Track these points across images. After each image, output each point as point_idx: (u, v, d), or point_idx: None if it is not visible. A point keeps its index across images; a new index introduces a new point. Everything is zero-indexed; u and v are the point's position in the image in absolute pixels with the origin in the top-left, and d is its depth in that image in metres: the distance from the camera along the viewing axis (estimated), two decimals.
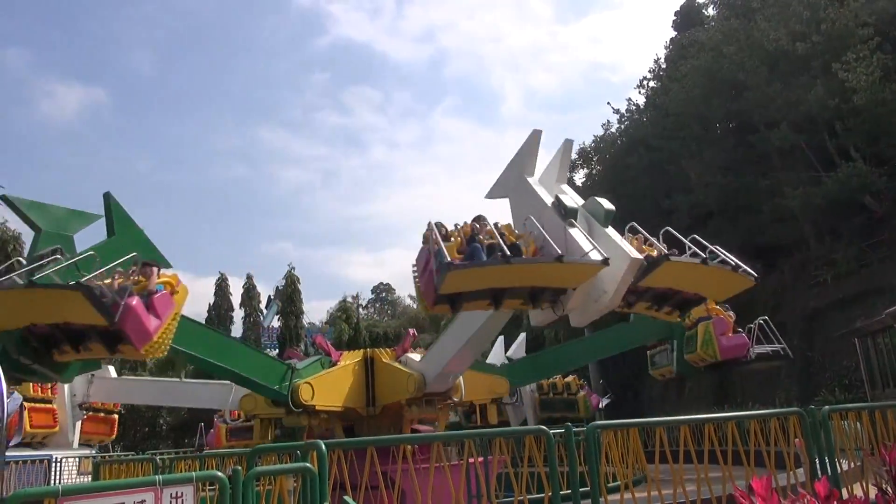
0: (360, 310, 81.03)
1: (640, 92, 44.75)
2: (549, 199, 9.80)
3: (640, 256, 9.08)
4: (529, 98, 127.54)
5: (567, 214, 9.35)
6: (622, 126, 44.18)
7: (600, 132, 46.54)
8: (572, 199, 9.77)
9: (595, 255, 8.52)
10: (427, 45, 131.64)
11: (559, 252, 8.35)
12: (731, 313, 15.84)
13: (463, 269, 8.18)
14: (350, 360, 13.83)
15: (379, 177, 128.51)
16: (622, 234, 10.02)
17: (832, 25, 28.29)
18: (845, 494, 6.31)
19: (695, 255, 9.88)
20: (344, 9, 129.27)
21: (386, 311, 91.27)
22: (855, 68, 26.21)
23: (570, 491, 6.00)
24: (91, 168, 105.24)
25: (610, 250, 8.86)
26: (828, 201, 27.97)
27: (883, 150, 27.17)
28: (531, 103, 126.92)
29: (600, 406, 25.71)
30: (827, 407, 7.36)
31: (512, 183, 10.66)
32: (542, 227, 8.98)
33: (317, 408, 12.27)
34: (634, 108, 43.54)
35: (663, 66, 43.35)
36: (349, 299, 60.39)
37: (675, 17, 46.37)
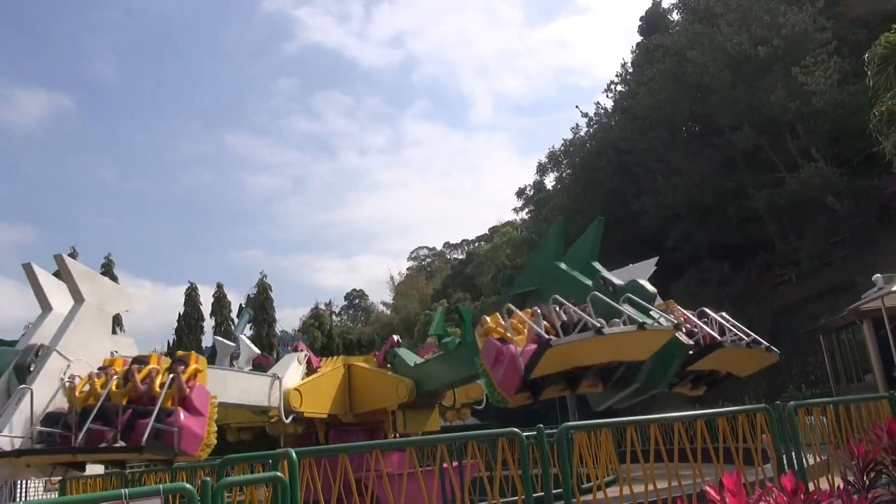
0: (333, 317, 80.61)
1: (608, 96, 45.30)
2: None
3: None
4: (499, 102, 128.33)
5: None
6: (591, 130, 44.61)
7: (570, 136, 46.99)
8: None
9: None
10: (396, 50, 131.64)
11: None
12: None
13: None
14: (330, 366, 13.78)
15: (349, 182, 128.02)
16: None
17: (792, 30, 28.98)
18: (811, 488, 6.44)
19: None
20: (311, 13, 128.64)
21: (359, 318, 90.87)
22: (814, 72, 26.87)
23: (542, 493, 6.01)
24: (54, 176, 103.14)
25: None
26: (791, 201, 28.58)
27: (843, 150, 27.89)
28: (501, 107, 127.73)
29: None
30: (793, 403, 7.49)
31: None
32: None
33: (305, 414, 12.22)
34: (603, 111, 44.04)
35: (630, 70, 43.90)
36: (322, 306, 59.95)
37: (640, 23, 47.03)
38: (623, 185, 37.06)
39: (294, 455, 5.18)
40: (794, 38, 28.85)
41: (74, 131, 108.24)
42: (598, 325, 8.60)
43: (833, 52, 27.61)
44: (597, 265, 10.74)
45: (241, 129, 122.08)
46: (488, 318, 9.66)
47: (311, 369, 13.55)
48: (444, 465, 6.59)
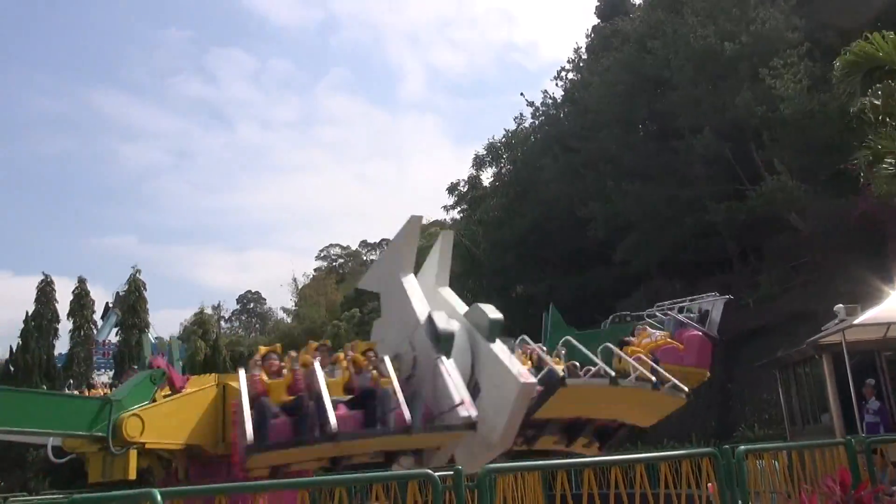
0: (222, 323, 78.83)
1: (557, 84, 46.26)
2: (423, 312, 9.49)
3: (533, 380, 8.77)
4: (432, 78, 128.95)
5: (441, 342, 8.92)
6: (536, 121, 45.44)
7: (512, 125, 47.70)
8: (446, 319, 9.23)
9: (463, 413, 8.22)
10: (314, 8, 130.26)
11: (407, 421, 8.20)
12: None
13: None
14: (198, 385, 13.28)
15: (247, 161, 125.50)
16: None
17: (762, 26, 30.32)
18: None
19: (602, 374, 10.01)
20: None
21: (253, 326, 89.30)
22: (783, 75, 28.17)
23: None
24: None
25: (495, 374, 8.74)
26: (752, 217, 29.84)
27: (810, 164, 29.25)
28: (434, 84, 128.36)
29: None
30: (743, 447, 7.77)
31: (385, 277, 10.55)
32: (413, 349, 9.05)
33: (147, 446, 11.72)
34: (551, 101, 44.91)
35: (584, 56, 44.98)
36: (208, 310, 58.58)
37: (598, 3, 48.28)
38: (569, 187, 37.86)
39: (158, 496, 4.99)
40: (764, 35, 30.18)
41: None
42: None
43: (804, 54, 29.00)
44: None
45: (112, 86, 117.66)
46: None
47: (173, 390, 13.05)
48: None
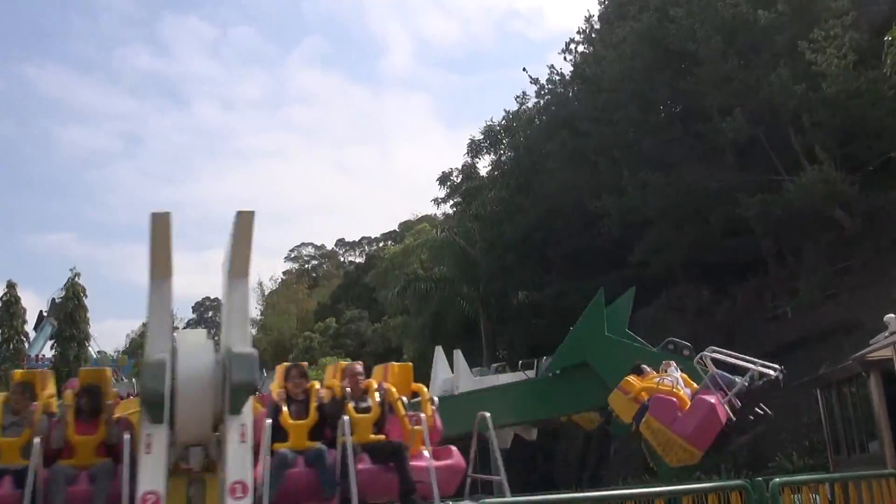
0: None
1: (565, 58, 46.30)
2: (153, 349, 7.67)
3: None
4: (422, 50, 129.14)
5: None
6: (541, 101, 45.51)
7: (513, 106, 47.79)
8: (158, 375, 7.20)
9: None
10: None
11: None
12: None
13: None
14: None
15: (206, 145, 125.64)
16: None
17: None
18: None
19: None
20: None
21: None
22: (825, 48, 28.22)
23: None
24: None
25: (223, 464, 7.31)
26: (789, 212, 29.89)
27: (856, 152, 29.31)
28: (424, 57, 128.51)
29: None
30: (778, 479, 7.84)
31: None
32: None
33: None
34: (558, 78, 45.01)
35: (596, 26, 45.07)
36: None
37: None
38: (580, 177, 37.91)
39: None
40: (803, 3, 30.25)
41: None
42: None
43: (849, 25, 29.03)
44: (631, 334, 9.87)
45: (49, 59, 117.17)
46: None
47: None
48: None
